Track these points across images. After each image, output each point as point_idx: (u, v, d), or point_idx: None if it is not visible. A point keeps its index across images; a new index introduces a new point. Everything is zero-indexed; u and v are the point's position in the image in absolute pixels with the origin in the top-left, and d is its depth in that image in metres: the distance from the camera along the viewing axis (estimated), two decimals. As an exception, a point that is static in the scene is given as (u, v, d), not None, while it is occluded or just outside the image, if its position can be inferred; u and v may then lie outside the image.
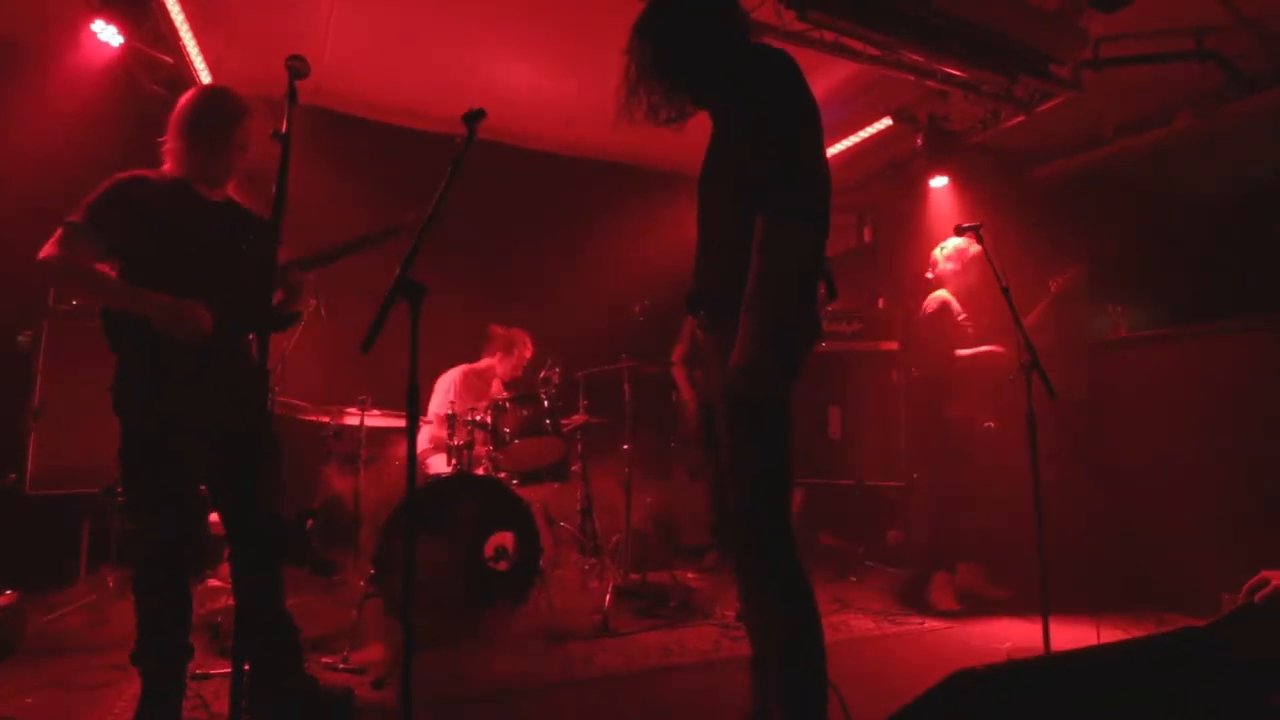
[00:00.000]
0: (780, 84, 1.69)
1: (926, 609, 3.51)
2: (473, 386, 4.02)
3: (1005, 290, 2.86)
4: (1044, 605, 2.73)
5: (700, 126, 1.97)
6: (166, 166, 2.20)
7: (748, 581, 1.83)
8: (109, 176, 2.10)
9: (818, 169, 1.69)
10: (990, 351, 3.60)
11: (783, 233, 1.61)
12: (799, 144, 1.66)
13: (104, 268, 2.05)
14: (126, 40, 3.29)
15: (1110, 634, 3.22)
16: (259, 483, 2.16)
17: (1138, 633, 3.23)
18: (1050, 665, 0.96)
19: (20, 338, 3.51)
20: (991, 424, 3.60)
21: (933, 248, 3.90)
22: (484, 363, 4.20)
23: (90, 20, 3.20)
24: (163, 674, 2.01)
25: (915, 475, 4.59)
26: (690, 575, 4.09)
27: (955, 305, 3.71)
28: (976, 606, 3.51)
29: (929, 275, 3.84)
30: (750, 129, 1.68)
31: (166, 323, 1.98)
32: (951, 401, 3.73)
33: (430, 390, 4.07)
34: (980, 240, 3.26)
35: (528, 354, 4.21)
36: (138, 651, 2.01)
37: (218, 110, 2.18)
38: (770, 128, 1.65)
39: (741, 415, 1.71)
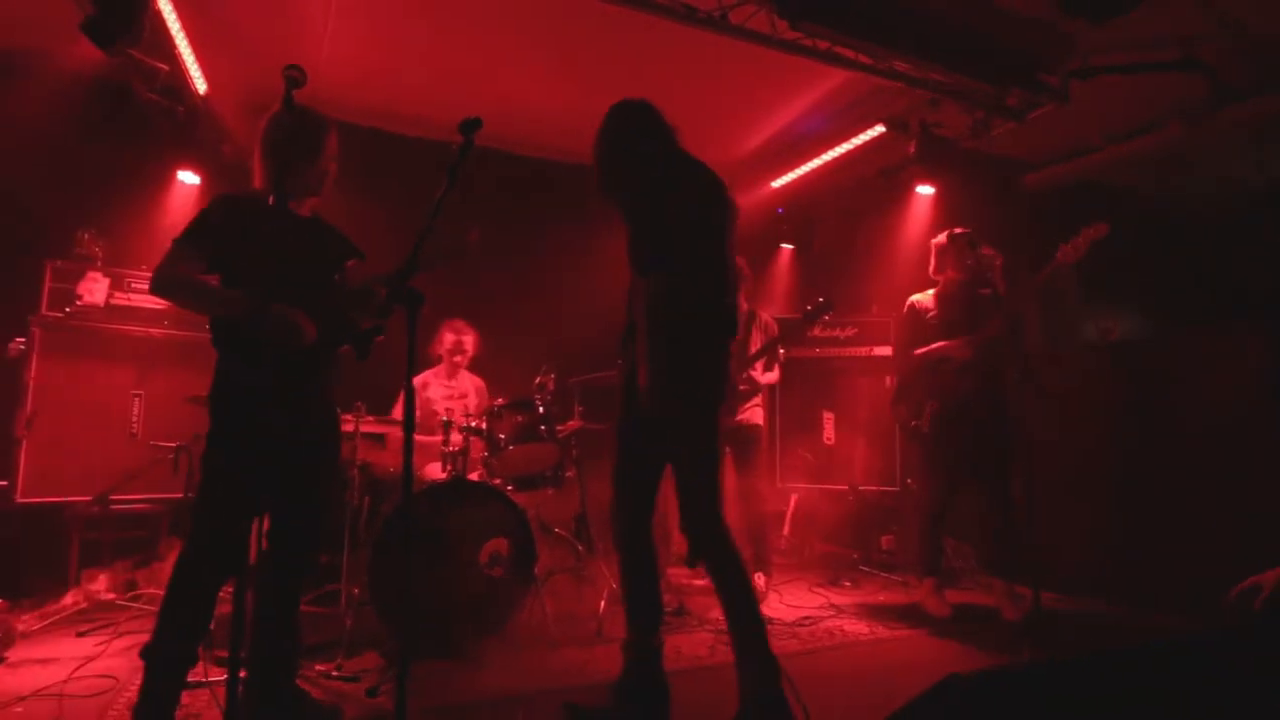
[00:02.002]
0: (661, 191, 2.28)
1: (919, 615, 3.53)
2: (430, 388, 4.14)
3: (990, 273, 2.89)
4: (1035, 610, 2.74)
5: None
6: (256, 184, 2.26)
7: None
8: (214, 196, 2.23)
9: (687, 249, 2.21)
10: (942, 348, 3.60)
11: (651, 288, 2.19)
12: (669, 233, 2.22)
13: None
14: (111, 49, 3.25)
15: (1108, 639, 3.24)
16: (322, 498, 2.26)
17: (1138, 637, 3.25)
18: (1042, 671, 0.97)
19: (12, 346, 3.49)
20: (918, 423, 3.65)
21: (924, 254, 3.93)
22: (440, 365, 4.24)
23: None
24: (167, 673, 2.02)
25: (909, 480, 4.61)
26: (685, 580, 4.09)
27: (925, 306, 3.76)
28: (971, 612, 3.53)
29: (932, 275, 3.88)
30: (640, 225, 2.29)
31: (274, 327, 2.03)
32: (901, 406, 3.80)
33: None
34: (974, 246, 3.29)
35: (451, 338, 4.17)
36: (150, 646, 2.01)
37: (298, 129, 2.25)
38: (651, 224, 2.26)
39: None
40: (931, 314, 3.72)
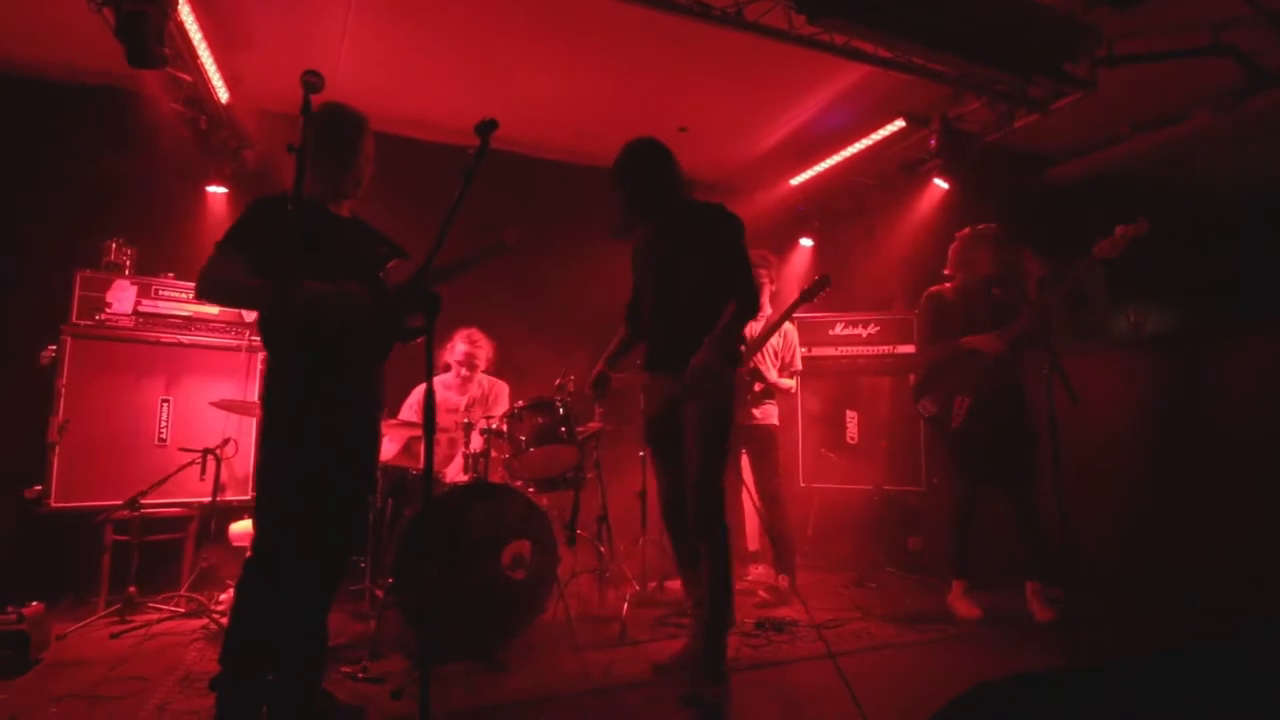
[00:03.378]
0: (739, 229, 2.70)
1: (949, 617, 3.47)
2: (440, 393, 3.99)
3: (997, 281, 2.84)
4: (1067, 613, 2.69)
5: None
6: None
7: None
8: (250, 201, 2.21)
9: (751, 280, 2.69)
10: (974, 341, 3.51)
11: (740, 319, 2.65)
12: (744, 260, 2.67)
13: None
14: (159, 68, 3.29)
15: (1141, 643, 3.16)
16: (363, 503, 2.28)
17: (1172, 640, 3.17)
18: (1076, 676, 0.94)
19: (43, 354, 3.56)
20: (945, 418, 3.57)
21: (947, 249, 3.87)
22: (452, 369, 4.13)
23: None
24: (239, 708, 1.95)
25: (935, 480, 4.55)
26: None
27: (947, 296, 3.68)
28: (1001, 614, 3.45)
29: (947, 271, 3.81)
30: (724, 258, 2.64)
31: (332, 305, 2.04)
32: (927, 399, 3.70)
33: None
34: (1001, 242, 3.22)
35: (463, 350, 4.05)
36: (218, 677, 1.97)
37: (335, 128, 2.24)
38: (740, 260, 2.66)
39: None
40: (954, 306, 3.65)
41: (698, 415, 2.62)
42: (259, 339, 2.23)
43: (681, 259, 2.69)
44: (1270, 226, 4.86)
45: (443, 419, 3.88)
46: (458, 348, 4.05)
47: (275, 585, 2.02)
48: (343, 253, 2.21)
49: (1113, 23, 3.63)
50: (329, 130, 2.20)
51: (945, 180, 4.79)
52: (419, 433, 3.65)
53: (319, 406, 2.08)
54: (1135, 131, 4.83)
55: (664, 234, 2.77)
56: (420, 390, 4.01)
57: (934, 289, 3.76)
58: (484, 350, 4.09)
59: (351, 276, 2.17)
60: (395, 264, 2.38)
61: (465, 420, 3.40)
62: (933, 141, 4.36)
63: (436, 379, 4.05)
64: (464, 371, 4.06)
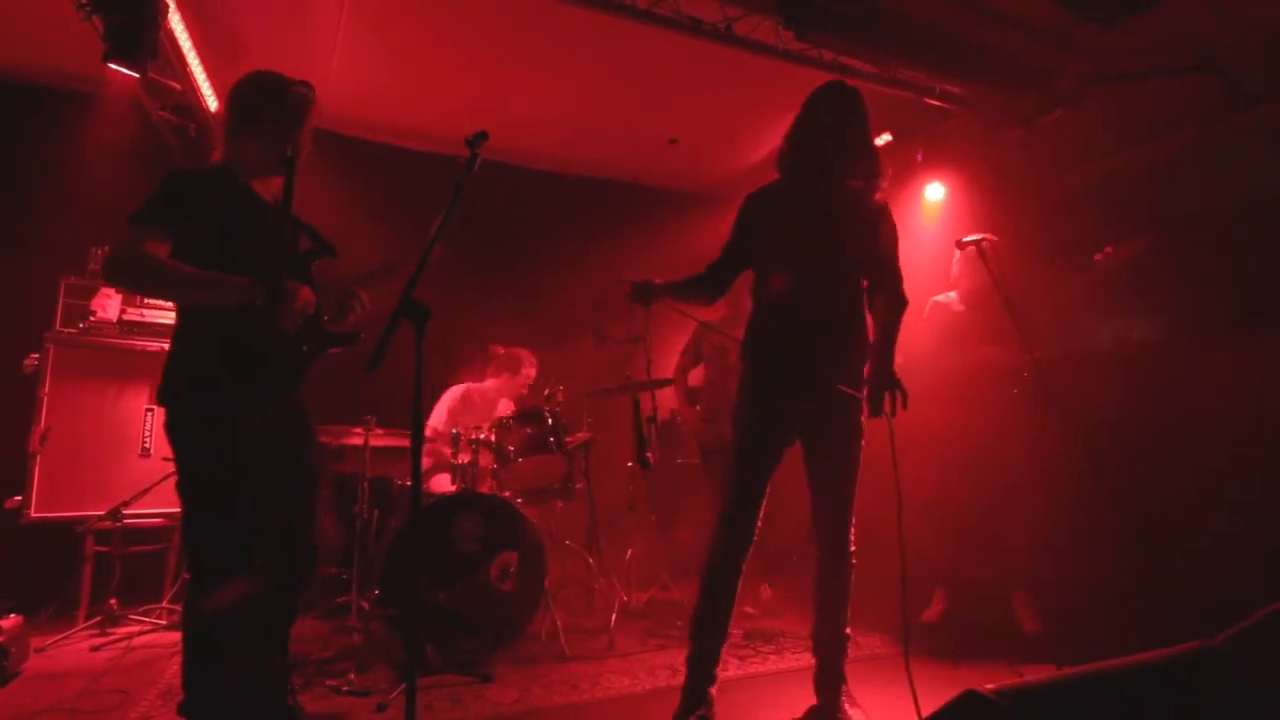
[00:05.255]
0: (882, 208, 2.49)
1: (933, 627, 3.47)
2: (474, 406, 4.00)
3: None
4: (1054, 623, 2.70)
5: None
6: (216, 157, 2.05)
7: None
8: (167, 173, 1.94)
9: None
10: (993, 354, 3.48)
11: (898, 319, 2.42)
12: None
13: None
14: (140, 76, 3.27)
15: (1129, 652, 3.17)
16: (311, 508, 2.14)
17: (1160, 650, 3.18)
18: (1064, 685, 0.95)
19: (26, 361, 3.52)
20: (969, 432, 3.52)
21: (933, 263, 3.88)
22: (489, 383, 4.16)
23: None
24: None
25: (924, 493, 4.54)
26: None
27: (953, 307, 3.65)
28: (987, 625, 3.46)
29: (950, 279, 3.77)
30: (884, 253, 2.44)
31: (274, 302, 1.81)
32: (934, 404, 3.63)
33: (430, 406, 4.05)
34: (982, 254, 3.26)
35: (532, 373, 4.14)
36: (187, 701, 1.87)
37: (280, 96, 1.99)
38: (896, 265, 2.46)
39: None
40: (961, 316, 3.60)
41: (855, 428, 2.45)
42: (183, 329, 1.93)
43: (849, 231, 2.40)
44: (1259, 239, 4.92)
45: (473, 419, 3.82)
46: (531, 374, 4.11)
47: (229, 606, 1.83)
48: (278, 238, 1.96)
49: (1100, 40, 3.68)
50: (275, 97, 1.98)
51: (945, 189, 4.82)
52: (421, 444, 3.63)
53: (263, 408, 1.87)
54: (1123, 147, 4.89)
55: (831, 198, 2.46)
56: (450, 394, 4.03)
57: (938, 298, 3.69)
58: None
59: (283, 264, 1.92)
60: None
61: (454, 430, 3.39)
62: (919, 156, 4.42)
63: (472, 385, 4.08)
64: (517, 396, 4.11)
